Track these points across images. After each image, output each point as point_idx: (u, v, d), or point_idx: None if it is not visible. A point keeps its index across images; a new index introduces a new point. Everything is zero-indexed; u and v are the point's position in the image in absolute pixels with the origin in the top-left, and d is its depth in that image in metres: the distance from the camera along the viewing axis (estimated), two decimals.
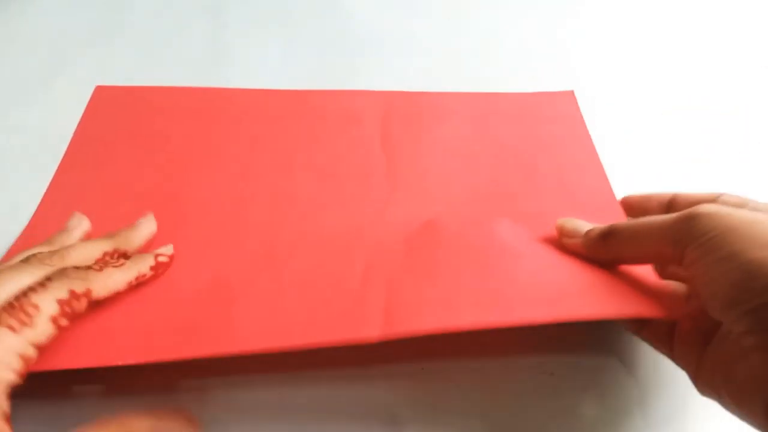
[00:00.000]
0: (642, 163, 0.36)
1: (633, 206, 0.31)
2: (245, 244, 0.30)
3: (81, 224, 0.30)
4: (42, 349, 0.22)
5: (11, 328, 0.21)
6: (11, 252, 0.30)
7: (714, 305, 0.22)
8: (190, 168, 0.34)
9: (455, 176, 0.33)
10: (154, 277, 0.28)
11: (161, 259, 0.28)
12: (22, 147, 0.36)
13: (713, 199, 0.27)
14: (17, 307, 0.22)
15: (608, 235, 0.26)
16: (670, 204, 0.29)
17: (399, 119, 0.37)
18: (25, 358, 0.21)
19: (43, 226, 0.31)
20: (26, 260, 0.25)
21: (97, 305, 0.25)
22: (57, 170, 0.34)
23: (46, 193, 0.33)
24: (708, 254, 0.22)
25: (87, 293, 0.24)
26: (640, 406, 0.27)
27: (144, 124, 0.37)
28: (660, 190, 0.34)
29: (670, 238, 0.23)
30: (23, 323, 0.22)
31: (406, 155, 0.35)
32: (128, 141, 0.36)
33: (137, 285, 0.27)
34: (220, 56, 0.43)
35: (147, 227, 0.30)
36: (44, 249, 0.27)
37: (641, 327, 0.27)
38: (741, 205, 0.25)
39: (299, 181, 0.33)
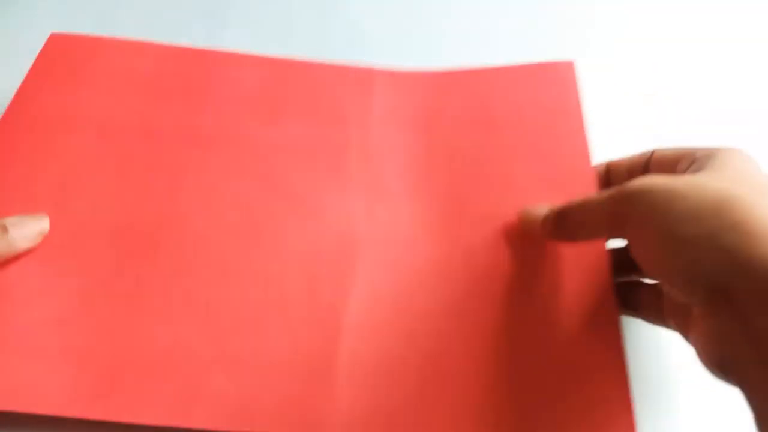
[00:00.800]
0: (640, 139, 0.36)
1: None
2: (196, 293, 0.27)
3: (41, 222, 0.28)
4: None
5: None
6: None
7: (660, 281, 0.23)
8: (148, 139, 0.31)
9: (436, 173, 0.31)
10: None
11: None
12: None
13: (646, 160, 0.28)
14: None
15: (559, 221, 0.27)
16: (607, 173, 0.30)
17: (385, 103, 0.34)
18: None
19: None
20: None
21: None
22: None
23: None
24: (640, 236, 0.22)
25: None
26: (639, 406, 0.27)
27: (102, 80, 0.33)
28: None
29: (607, 221, 0.24)
30: None
31: (388, 152, 0.32)
32: (82, 97, 0.32)
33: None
34: None
35: (37, 224, 0.28)
36: None
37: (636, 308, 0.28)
38: (676, 159, 0.26)
39: (267, 196, 0.30)
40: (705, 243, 0.20)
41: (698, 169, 0.24)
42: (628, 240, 0.23)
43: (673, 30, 0.45)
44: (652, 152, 0.28)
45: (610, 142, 0.37)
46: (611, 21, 0.46)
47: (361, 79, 0.34)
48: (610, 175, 0.30)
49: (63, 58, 0.33)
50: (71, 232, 0.28)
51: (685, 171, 0.25)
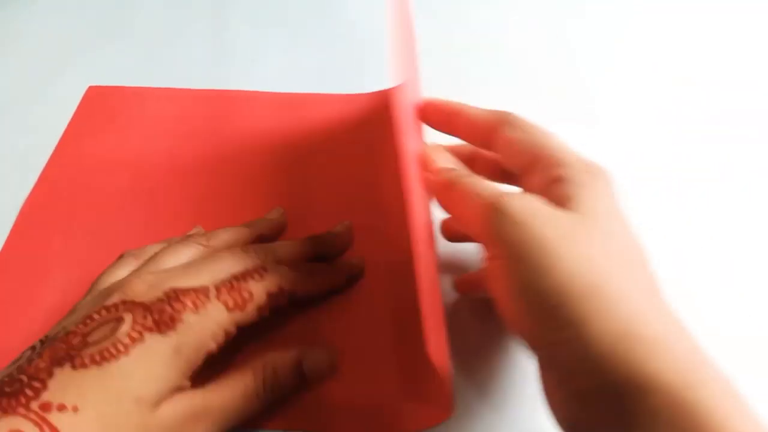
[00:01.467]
0: (642, 169, 0.36)
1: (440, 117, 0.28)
2: None
3: (281, 216, 0.32)
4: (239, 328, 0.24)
5: (227, 306, 0.23)
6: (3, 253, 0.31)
7: (513, 327, 0.21)
8: (175, 175, 0.35)
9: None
10: (344, 287, 0.29)
11: (356, 271, 0.30)
12: (22, 148, 0.36)
13: (491, 133, 0.25)
14: (236, 288, 0.24)
15: (442, 192, 0.25)
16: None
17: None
18: (227, 333, 0.23)
19: (27, 227, 0.32)
20: (245, 249, 0.27)
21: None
22: (44, 169, 0.35)
23: (31, 194, 0.34)
24: (503, 267, 0.20)
25: (292, 293, 0.26)
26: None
27: (134, 126, 0.37)
28: (657, 195, 0.34)
29: (478, 225, 0.22)
30: (236, 305, 0.24)
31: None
32: (117, 142, 0.36)
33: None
34: (222, 57, 0.43)
35: (347, 238, 0.31)
36: (247, 230, 0.30)
37: None
38: (534, 158, 0.23)
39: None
40: (563, 323, 0.19)
41: (567, 200, 0.21)
42: (488, 258, 0.22)
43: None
44: (505, 124, 0.24)
45: None
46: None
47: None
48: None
49: (99, 108, 0.38)
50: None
51: (547, 185, 0.22)
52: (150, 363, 0.21)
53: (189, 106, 0.38)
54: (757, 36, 0.45)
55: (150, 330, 0.22)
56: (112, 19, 0.46)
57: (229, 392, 0.23)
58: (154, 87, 0.40)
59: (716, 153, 0.37)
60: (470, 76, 0.41)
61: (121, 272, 0.26)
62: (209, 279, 0.24)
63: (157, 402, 0.21)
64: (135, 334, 0.21)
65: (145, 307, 0.22)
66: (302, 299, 0.27)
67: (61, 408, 0.19)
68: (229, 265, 0.25)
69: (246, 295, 0.24)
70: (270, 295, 0.25)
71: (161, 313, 0.22)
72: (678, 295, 0.29)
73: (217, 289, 0.24)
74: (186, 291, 0.23)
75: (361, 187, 0.34)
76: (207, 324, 0.23)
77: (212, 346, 0.23)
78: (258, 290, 0.24)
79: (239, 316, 0.24)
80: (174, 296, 0.23)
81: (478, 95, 0.39)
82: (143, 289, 0.23)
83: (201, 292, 0.23)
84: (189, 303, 0.23)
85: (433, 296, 0.25)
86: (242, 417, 0.23)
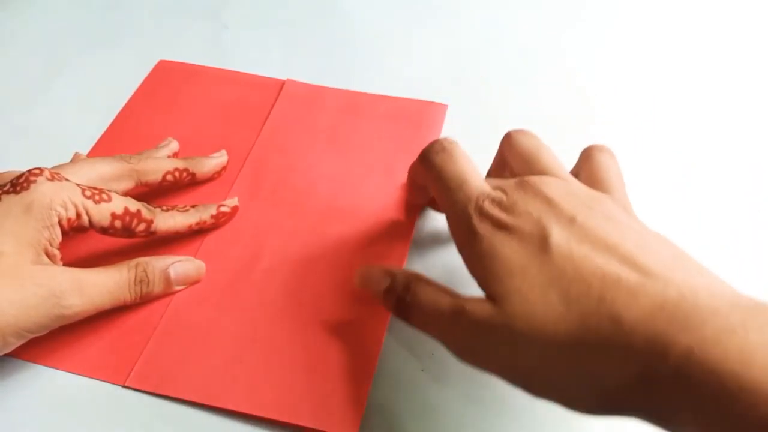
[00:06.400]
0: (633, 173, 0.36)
1: None
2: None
3: (170, 144, 0.35)
4: (92, 225, 0.27)
5: (83, 192, 0.26)
6: None
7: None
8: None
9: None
10: (214, 225, 0.31)
11: (223, 209, 0.32)
12: (21, 148, 0.37)
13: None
14: (99, 190, 0.27)
15: (401, 310, 0.25)
16: None
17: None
18: (77, 213, 0.26)
19: None
20: (112, 156, 0.31)
21: (154, 236, 0.29)
22: (100, 138, 0.37)
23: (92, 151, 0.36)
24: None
25: (148, 221, 0.29)
26: None
27: (192, 105, 0.39)
28: (643, 201, 0.34)
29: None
30: (93, 197, 0.26)
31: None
32: (173, 119, 0.38)
33: (198, 230, 0.31)
34: (220, 57, 0.43)
35: (219, 159, 0.35)
36: (171, 161, 0.33)
37: None
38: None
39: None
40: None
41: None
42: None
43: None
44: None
45: None
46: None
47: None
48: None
49: (163, 84, 0.41)
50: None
51: None
52: (4, 220, 0.24)
53: (238, 90, 0.40)
54: (757, 38, 0.45)
55: (7, 192, 0.25)
56: (109, 19, 0.46)
57: (103, 276, 0.26)
58: (214, 67, 0.41)
59: (714, 153, 0.37)
60: (469, 77, 0.42)
61: None
62: (84, 180, 0.28)
63: (18, 255, 0.24)
64: None
65: (12, 180, 0.25)
66: (168, 234, 0.30)
67: None
68: (91, 168, 0.29)
69: (105, 196, 0.27)
70: (127, 210, 0.27)
71: (19, 178, 0.25)
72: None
73: (81, 185, 0.26)
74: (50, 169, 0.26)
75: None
76: (59, 191, 0.25)
77: (62, 212, 0.25)
78: (118, 199, 0.27)
79: (92, 205, 0.26)
80: (38, 170, 0.26)
81: (478, 96, 0.40)
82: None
83: (64, 177, 0.26)
84: (47, 173, 0.26)
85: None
86: (114, 300, 0.27)
